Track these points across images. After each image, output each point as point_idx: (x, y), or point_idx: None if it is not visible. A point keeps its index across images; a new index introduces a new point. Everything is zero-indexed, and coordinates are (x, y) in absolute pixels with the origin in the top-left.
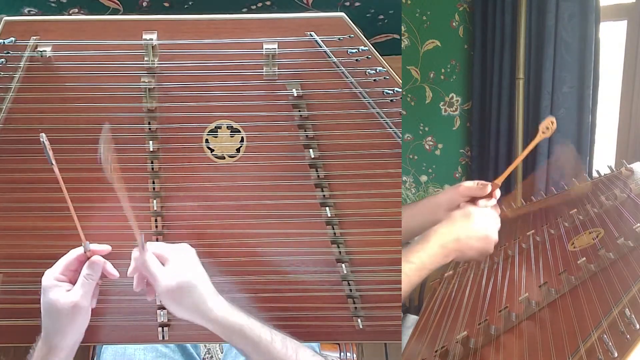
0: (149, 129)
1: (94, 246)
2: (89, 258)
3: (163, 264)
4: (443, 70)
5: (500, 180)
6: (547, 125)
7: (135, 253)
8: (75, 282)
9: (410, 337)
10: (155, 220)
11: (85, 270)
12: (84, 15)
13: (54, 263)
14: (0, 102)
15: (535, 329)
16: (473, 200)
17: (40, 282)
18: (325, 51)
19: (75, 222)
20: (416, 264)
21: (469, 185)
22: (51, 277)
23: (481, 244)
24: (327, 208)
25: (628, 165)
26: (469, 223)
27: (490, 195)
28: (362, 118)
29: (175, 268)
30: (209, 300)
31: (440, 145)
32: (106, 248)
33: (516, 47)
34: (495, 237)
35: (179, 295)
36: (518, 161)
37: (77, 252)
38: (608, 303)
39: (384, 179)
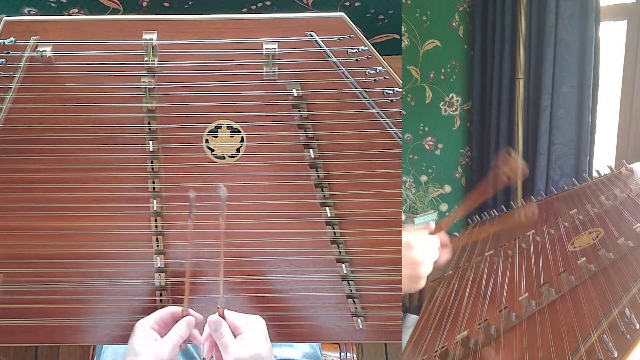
0: (149, 129)
1: (190, 311)
2: (183, 316)
3: (235, 334)
4: (443, 70)
5: (446, 222)
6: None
7: (212, 317)
8: (163, 335)
9: (410, 337)
10: (155, 220)
11: (178, 326)
12: (84, 15)
13: (54, 263)
14: (0, 102)
15: (535, 329)
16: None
17: (40, 282)
18: (325, 51)
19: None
20: None
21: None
22: (144, 325)
23: (408, 270)
24: (327, 208)
25: (628, 165)
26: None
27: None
28: (362, 118)
29: (248, 341)
30: None
31: (440, 145)
32: (200, 317)
33: (516, 47)
34: (426, 261)
35: None
36: (465, 210)
37: (173, 308)
38: (608, 303)
39: (384, 179)
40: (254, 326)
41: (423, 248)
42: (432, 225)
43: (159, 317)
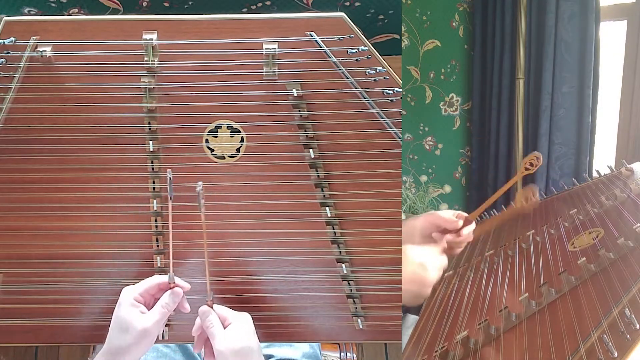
0: (149, 129)
1: (177, 280)
2: (170, 288)
3: (224, 325)
4: (443, 70)
5: (473, 216)
6: (532, 160)
7: (203, 308)
8: (150, 305)
9: (410, 337)
10: (155, 220)
11: (164, 299)
12: (84, 15)
13: (54, 263)
14: (0, 102)
15: (535, 329)
16: (444, 231)
17: (40, 282)
18: (325, 51)
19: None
20: None
21: (443, 215)
22: (130, 295)
23: (414, 287)
24: (327, 208)
25: (628, 165)
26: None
27: (458, 232)
28: (362, 118)
29: (237, 332)
30: None
31: (440, 145)
32: (188, 286)
33: (516, 47)
34: (431, 278)
35: (236, 359)
36: (495, 197)
37: (159, 278)
38: (608, 303)
39: (384, 179)
40: (243, 320)
41: (437, 270)
42: (460, 223)
43: (144, 289)
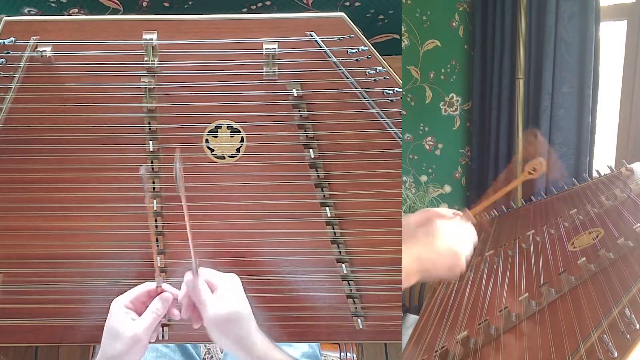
0: (149, 129)
1: (166, 286)
2: (159, 293)
3: (212, 291)
4: (443, 70)
5: (474, 212)
6: (536, 165)
7: (187, 276)
8: (140, 312)
9: (410, 337)
10: (155, 220)
11: (154, 305)
12: (84, 15)
13: (54, 263)
14: (0, 102)
15: (535, 329)
16: None
17: (40, 282)
18: (325, 51)
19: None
20: None
21: (440, 211)
22: (119, 304)
23: (448, 261)
24: (327, 208)
25: (628, 165)
26: (433, 239)
27: None
28: (362, 118)
29: (225, 297)
30: (252, 334)
31: (440, 145)
32: (176, 292)
33: (516, 47)
34: (465, 251)
35: (226, 325)
36: (496, 196)
37: (148, 285)
38: (608, 303)
39: (384, 179)
40: (231, 283)
41: (469, 238)
42: (458, 219)
43: (134, 297)
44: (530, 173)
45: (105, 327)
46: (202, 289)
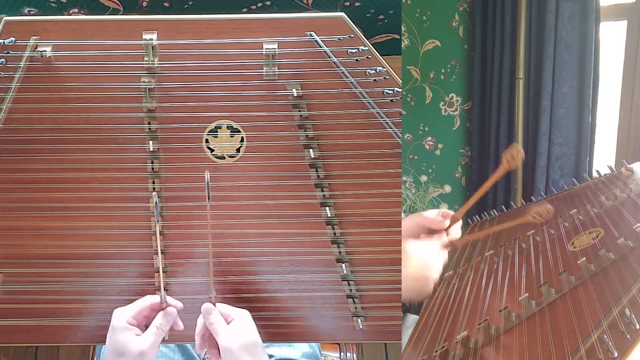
0: (149, 129)
1: (169, 300)
2: (163, 309)
3: (227, 321)
4: (443, 70)
5: (460, 214)
6: (512, 154)
7: (206, 305)
8: (143, 326)
9: (410, 337)
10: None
11: (158, 320)
12: (84, 15)
13: (54, 263)
14: (0, 102)
15: (535, 329)
16: (431, 232)
17: (40, 282)
18: (325, 51)
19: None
20: None
21: (429, 216)
22: (122, 319)
23: (418, 285)
24: (327, 208)
25: (628, 165)
26: (404, 262)
27: (446, 231)
28: (362, 118)
29: (242, 328)
30: None
31: (440, 145)
32: (180, 305)
33: (516, 47)
34: (435, 276)
35: (241, 355)
36: (480, 193)
37: (151, 299)
38: (608, 303)
39: (384, 179)
40: (245, 316)
41: (439, 266)
42: (447, 223)
43: (136, 311)
44: (508, 162)
45: (108, 341)
46: (219, 320)
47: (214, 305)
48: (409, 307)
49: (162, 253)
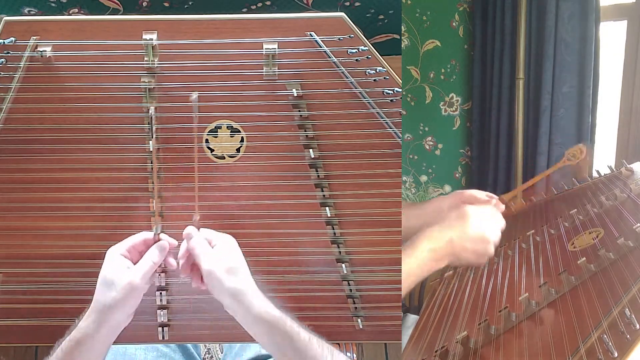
0: (149, 129)
1: (163, 235)
2: (156, 242)
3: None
4: (443, 70)
5: (508, 196)
6: (575, 152)
7: (188, 230)
8: (136, 262)
9: (410, 337)
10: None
11: (150, 252)
12: (84, 15)
13: (54, 263)
14: (0, 102)
15: (535, 329)
16: None
17: (40, 282)
18: (325, 51)
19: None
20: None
21: (475, 193)
22: (115, 252)
23: (478, 246)
24: (327, 208)
25: (628, 165)
26: (464, 224)
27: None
28: (362, 118)
29: (223, 251)
30: (250, 290)
31: (440, 145)
32: (175, 242)
33: (516, 47)
34: (494, 238)
35: (224, 277)
36: (533, 181)
37: (145, 234)
38: (608, 303)
39: (384, 179)
40: (229, 240)
41: (498, 226)
42: (494, 202)
43: (130, 245)
44: (569, 160)
45: (99, 276)
46: (202, 243)
47: (198, 229)
48: (409, 307)
49: None
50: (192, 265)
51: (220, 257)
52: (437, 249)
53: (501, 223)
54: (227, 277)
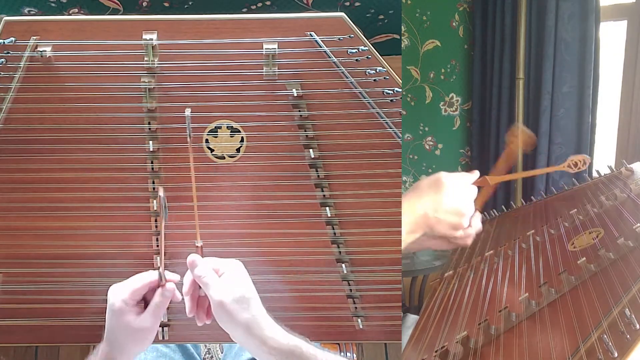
0: (149, 129)
1: (167, 275)
2: (160, 286)
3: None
4: (443, 70)
5: (493, 180)
6: (578, 161)
7: (191, 257)
8: (142, 303)
9: (410, 337)
10: (155, 221)
11: (157, 298)
12: (84, 15)
13: (54, 263)
14: (0, 102)
15: (535, 329)
16: None
17: (40, 282)
18: (325, 51)
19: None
20: None
21: (451, 174)
22: (120, 299)
23: (452, 218)
24: (327, 208)
25: (628, 165)
26: (437, 195)
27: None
28: (362, 118)
29: (232, 280)
30: (261, 318)
31: (440, 145)
32: (177, 277)
33: (516, 47)
34: (468, 209)
35: (237, 309)
36: (524, 174)
37: (149, 278)
38: (608, 303)
39: (384, 179)
40: (237, 267)
41: (470, 198)
42: (477, 173)
43: (133, 291)
44: (569, 167)
45: (109, 322)
46: (209, 271)
47: (202, 255)
48: (409, 307)
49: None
50: (198, 300)
51: (230, 286)
52: (410, 221)
53: (474, 193)
54: (239, 309)
